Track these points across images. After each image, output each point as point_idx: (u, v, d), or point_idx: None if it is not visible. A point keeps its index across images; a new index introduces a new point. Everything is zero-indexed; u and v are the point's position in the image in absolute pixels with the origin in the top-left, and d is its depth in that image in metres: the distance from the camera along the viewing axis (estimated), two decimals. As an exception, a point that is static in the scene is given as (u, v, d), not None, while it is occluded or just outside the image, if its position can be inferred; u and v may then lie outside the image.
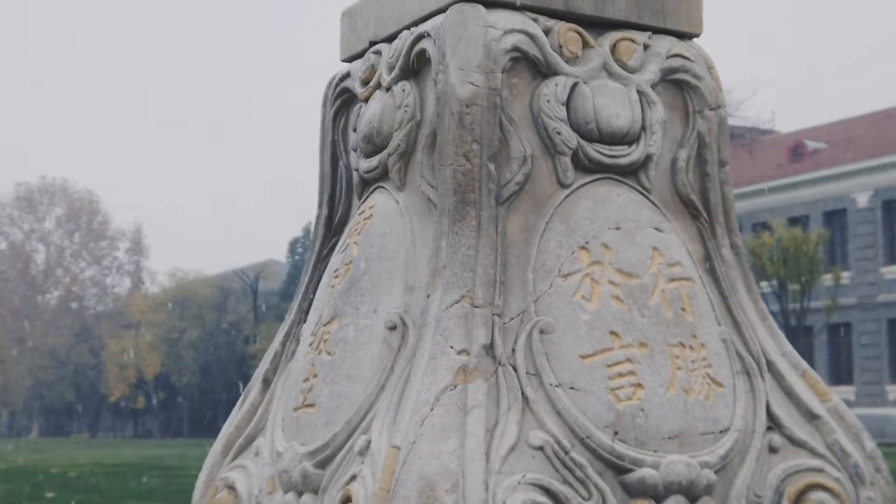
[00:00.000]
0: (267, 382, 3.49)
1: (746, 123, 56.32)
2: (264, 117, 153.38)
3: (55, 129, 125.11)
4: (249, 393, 3.51)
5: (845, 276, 53.12)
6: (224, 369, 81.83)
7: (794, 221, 53.41)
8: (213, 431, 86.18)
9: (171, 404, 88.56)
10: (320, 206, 3.55)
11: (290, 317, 3.54)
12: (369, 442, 2.82)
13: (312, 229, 3.64)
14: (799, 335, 43.92)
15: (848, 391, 51.60)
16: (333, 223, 3.51)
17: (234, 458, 3.42)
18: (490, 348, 2.83)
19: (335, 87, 3.52)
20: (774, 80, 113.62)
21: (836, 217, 57.61)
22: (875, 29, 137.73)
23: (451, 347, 2.78)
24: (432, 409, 2.70)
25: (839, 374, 53.12)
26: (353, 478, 2.79)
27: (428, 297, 2.91)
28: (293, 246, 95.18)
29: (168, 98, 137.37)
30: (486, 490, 2.63)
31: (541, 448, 2.77)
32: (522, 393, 2.82)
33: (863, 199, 56.83)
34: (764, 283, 40.88)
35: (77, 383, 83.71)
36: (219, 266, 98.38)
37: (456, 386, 2.74)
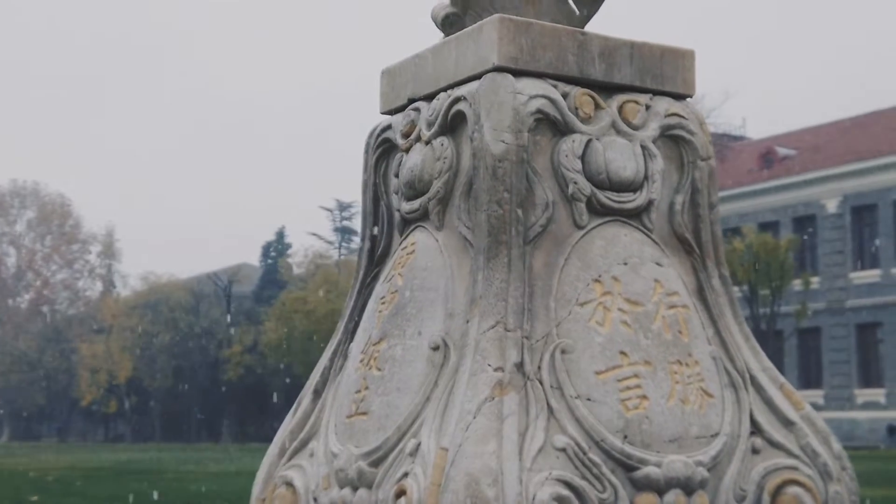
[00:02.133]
0: (317, 393, 4.02)
1: (718, 130, 56.87)
2: (238, 121, 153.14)
3: (26, 131, 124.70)
4: (301, 402, 4.05)
5: (815, 282, 53.76)
6: (197, 373, 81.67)
7: (764, 227, 54.05)
8: (186, 436, 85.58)
9: (143, 408, 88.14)
10: (363, 239, 4.09)
11: (336, 336, 4.08)
12: (419, 444, 3.36)
13: (356, 259, 4.17)
14: (769, 339, 44.59)
15: (817, 395, 52.27)
16: (375, 255, 4.05)
17: (290, 459, 3.94)
18: (520, 366, 3.38)
19: (377, 137, 4.06)
20: (745, 87, 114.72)
21: (805, 223, 58.27)
22: (844, 37, 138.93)
23: (489, 365, 3.33)
24: (475, 418, 3.25)
25: (808, 377, 53.84)
26: (406, 474, 3.33)
27: (467, 322, 3.45)
28: (266, 250, 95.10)
29: (142, 101, 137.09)
30: (520, 484, 3.18)
31: (563, 449, 3.32)
32: (548, 403, 3.37)
33: (832, 206, 57.49)
34: (735, 289, 41.50)
35: (48, 387, 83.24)
36: (191, 269, 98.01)
37: (494, 398, 3.29)
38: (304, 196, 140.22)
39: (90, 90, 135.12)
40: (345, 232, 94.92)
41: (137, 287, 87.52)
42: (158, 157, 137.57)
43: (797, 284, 49.49)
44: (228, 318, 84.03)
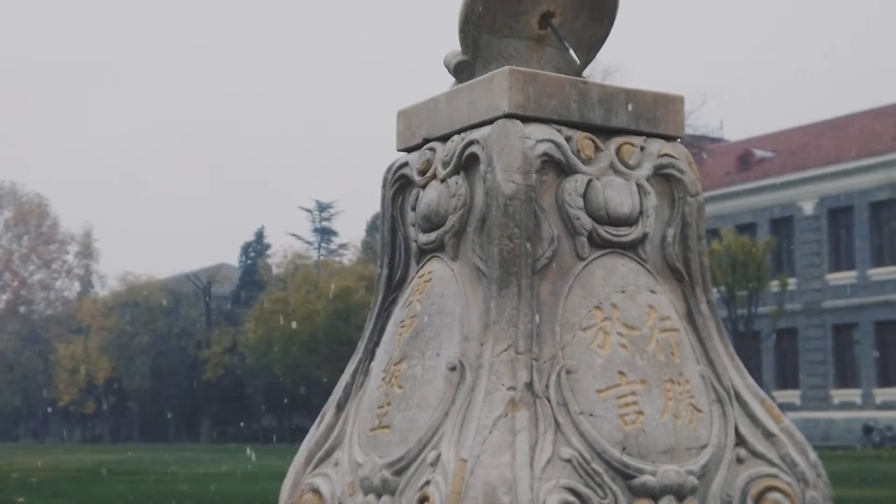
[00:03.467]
0: (340, 407, 4.40)
1: (696, 132, 57.25)
2: (218, 121, 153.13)
3: (2, 131, 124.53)
4: (325, 415, 4.42)
5: (791, 283, 54.27)
6: (176, 374, 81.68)
7: (741, 229, 54.48)
8: (165, 436, 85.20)
9: (121, 409, 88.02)
10: (381, 266, 4.47)
11: (357, 355, 4.46)
12: (439, 455, 3.74)
13: (375, 285, 4.54)
14: (746, 341, 45.11)
15: (793, 395, 52.83)
16: (393, 282, 4.43)
17: (316, 468, 4.32)
18: (530, 385, 3.76)
19: (394, 173, 4.44)
20: (724, 89, 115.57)
21: (782, 225, 58.80)
22: (822, 41, 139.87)
23: (503, 385, 3.72)
24: (491, 432, 3.64)
25: (785, 378, 54.42)
26: (428, 483, 3.71)
27: (481, 345, 3.84)
28: (245, 250, 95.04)
29: (117, 100, 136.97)
30: (531, 491, 3.57)
31: (569, 460, 3.71)
32: (555, 419, 3.76)
33: (808, 207, 58.02)
34: (713, 290, 42.01)
35: (25, 388, 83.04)
36: (170, 270, 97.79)
37: (507, 414, 3.68)
38: (283, 196, 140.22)
39: (69, 89, 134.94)
40: (324, 232, 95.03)
41: (115, 287, 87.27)
42: (137, 156, 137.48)
43: (774, 286, 49.97)
44: (207, 319, 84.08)
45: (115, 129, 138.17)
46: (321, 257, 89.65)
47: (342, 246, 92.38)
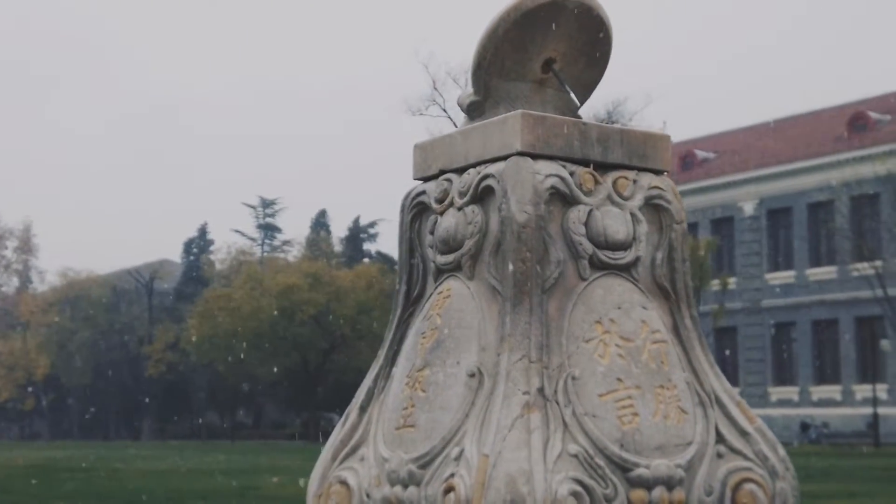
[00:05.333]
0: (363, 409, 4.94)
1: (639, 132, 57.55)
2: (159, 116, 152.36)
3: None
4: (349, 416, 4.95)
5: (732, 282, 55.27)
6: (117, 370, 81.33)
7: (683, 229, 55.15)
8: (104, 433, 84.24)
9: (60, 406, 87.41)
10: (399, 283, 5.01)
11: (378, 362, 5.00)
12: (462, 451, 4.29)
13: (393, 300, 5.08)
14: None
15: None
16: (411, 297, 4.97)
17: (342, 462, 4.85)
18: (542, 390, 4.33)
19: (412, 200, 4.98)
20: (667, 91, 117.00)
21: (723, 225, 59.79)
22: (761, 40, 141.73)
23: (519, 390, 4.28)
24: (510, 431, 4.20)
25: (725, 375, 55.21)
26: (452, 475, 4.25)
27: (498, 355, 4.40)
28: (188, 246, 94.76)
29: (61, 95, 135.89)
30: (545, 482, 4.13)
31: (576, 455, 4.27)
32: (563, 419, 4.32)
33: (749, 208, 59.08)
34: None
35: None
36: (111, 266, 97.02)
37: (523, 415, 4.24)
38: (226, 192, 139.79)
39: (7, 83, 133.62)
40: (268, 229, 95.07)
41: (55, 283, 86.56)
42: (77, 150, 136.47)
43: (715, 285, 50.89)
44: (149, 315, 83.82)
45: (57, 122, 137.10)
46: (265, 254, 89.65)
47: (286, 242, 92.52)
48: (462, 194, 4.72)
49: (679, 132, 57.82)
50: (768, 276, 58.07)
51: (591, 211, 4.63)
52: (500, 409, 4.27)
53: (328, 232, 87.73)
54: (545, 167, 4.56)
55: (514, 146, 4.55)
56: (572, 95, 5.04)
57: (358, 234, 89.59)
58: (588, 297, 4.58)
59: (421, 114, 55.58)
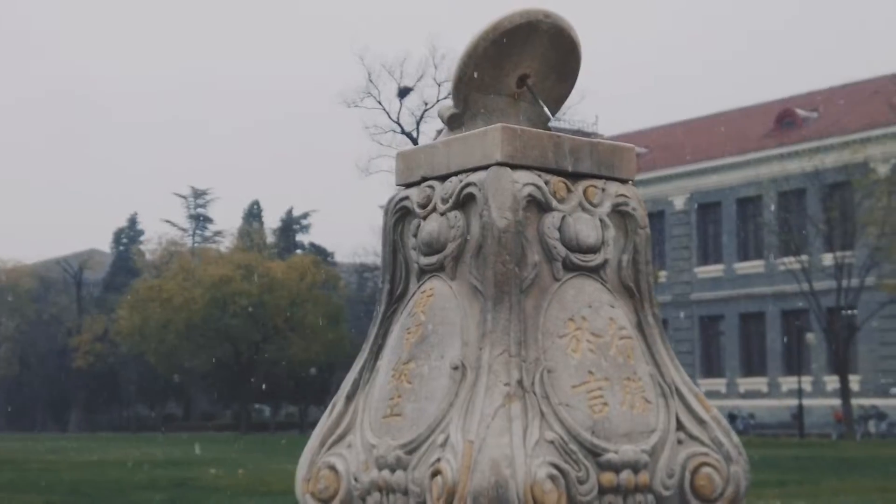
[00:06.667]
0: (349, 398, 5.29)
1: (572, 126, 58.51)
2: (89, 104, 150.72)
3: None
4: (335, 405, 5.31)
5: (662, 276, 56.14)
6: (45, 362, 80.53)
7: (614, 223, 55.79)
8: (31, 425, 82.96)
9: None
10: (383, 282, 5.38)
11: (363, 355, 5.35)
12: (447, 438, 4.66)
13: (377, 297, 5.44)
14: (620, 331, 46.49)
15: (663, 384, 54.39)
16: (394, 295, 5.34)
17: (330, 449, 5.21)
18: (520, 382, 4.72)
19: (396, 204, 5.33)
20: (600, 86, 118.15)
21: (654, 219, 60.47)
22: (696, 35, 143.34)
23: (501, 381, 4.67)
24: (493, 419, 4.58)
25: (654, 366, 56.17)
26: (439, 459, 4.63)
27: (480, 350, 4.78)
28: (118, 236, 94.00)
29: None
30: (525, 466, 4.52)
31: (552, 442, 4.67)
32: (540, 409, 4.72)
33: (679, 202, 59.97)
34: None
35: None
36: (39, 255, 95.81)
37: (505, 405, 4.62)
38: (157, 182, 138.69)
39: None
40: (200, 219, 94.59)
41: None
42: (3, 136, 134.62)
43: (646, 278, 51.46)
44: (78, 306, 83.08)
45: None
46: (196, 244, 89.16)
47: (218, 233, 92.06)
48: (445, 200, 5.09)
49: (611, 127, 58.41)
50: (697, 269, 59.01)
51: (564, 217, 5.03)
52: (484, 399, 4.65)
53: (261, 223, 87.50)
54: (523, 176, 4.94)
55: (494, 157, 4.93)
56: (545, 108, 5.43)
57: (291, 226, 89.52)
58: (561, 297, 4.97)
59: (356, 105, 55.86)
